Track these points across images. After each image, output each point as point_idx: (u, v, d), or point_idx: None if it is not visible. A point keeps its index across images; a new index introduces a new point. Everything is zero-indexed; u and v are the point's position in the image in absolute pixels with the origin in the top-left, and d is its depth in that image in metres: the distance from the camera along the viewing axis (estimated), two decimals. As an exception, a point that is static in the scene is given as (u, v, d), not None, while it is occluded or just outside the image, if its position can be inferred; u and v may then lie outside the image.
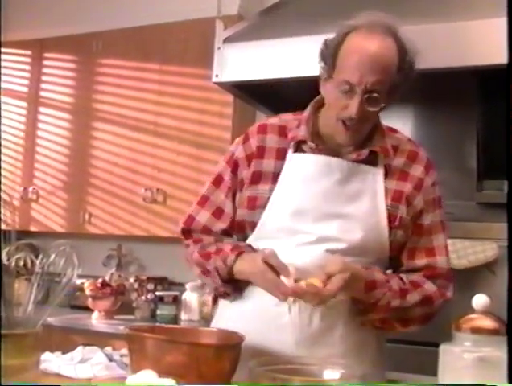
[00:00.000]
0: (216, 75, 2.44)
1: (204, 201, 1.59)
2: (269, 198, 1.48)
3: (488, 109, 2.67)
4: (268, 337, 1.41)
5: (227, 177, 1.56)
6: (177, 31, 3.47)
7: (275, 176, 1.50)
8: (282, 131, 1.54)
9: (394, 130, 1.58)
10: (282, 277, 1.32)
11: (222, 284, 1.50)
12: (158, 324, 3.01)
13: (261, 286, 1.38)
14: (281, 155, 1.52)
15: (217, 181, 1.58)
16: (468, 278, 2.23)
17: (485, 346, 1.04)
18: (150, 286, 3.47)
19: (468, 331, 1.06)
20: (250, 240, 1.53)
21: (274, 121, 1.58)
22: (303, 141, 1.50)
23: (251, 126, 1.60)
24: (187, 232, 1.61)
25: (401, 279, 1.47)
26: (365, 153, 1.48)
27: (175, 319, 3.26)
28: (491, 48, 1.95)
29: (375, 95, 1.39)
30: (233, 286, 1.50)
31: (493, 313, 1.08)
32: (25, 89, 4.04)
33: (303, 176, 1.49)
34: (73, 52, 3.88)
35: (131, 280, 3.58)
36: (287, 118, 1.57)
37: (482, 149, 2.73)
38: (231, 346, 1.28)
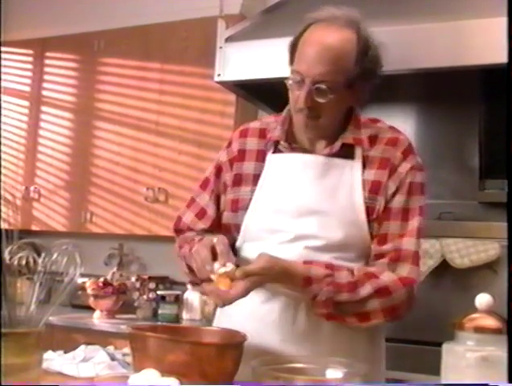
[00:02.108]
0: (219, 75, 2.44)
1: (191, 203, 1.65)
2: (250, 199, 1.51)
3: (490, 108, 2.67)
4: (257, 335, 1.40)
5: (212, 180, 1.61)
6: (179, 30, 3.47)
7: (256, 178, 1.52)
8: (263, 133, 1.57)
9: (375, 120, 1.56)
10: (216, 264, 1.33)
11: (187, 271, 1.54)
12: (160, 323, 3.01)
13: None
14: (261, 157, 1.54)
15: (204, 184, 1.63)
16: (470, 277, 2.23)
17: (488, 345, 1.04)
18: (152, 285, 3.47)
19: (472, 330, 1.06)
20: (239, 243, 1.54)
21: (256, 124, 1.61)
22: (280, 142, 1.52)
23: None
24: (178, 232, 1.66)
25: (351, 271, 1.41)
26: (337, 146, 1.47)
27: (177, 318, 3.26)
28: (493, 47, 1.94)
29: (323, 86, 1.39)
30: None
31: (496, 312, 1.08)
32: (27, 88, 4.05)
33: (281, 175, 1.50)
34: (75, 51, 3.88)
35: (133, 279, 3.58)
36: (269, 120, 1.60)
37: (484, 149, 2.73)
38: (233, 346, 1.28)
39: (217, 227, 1.59)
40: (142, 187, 3.54)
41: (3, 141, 4.01)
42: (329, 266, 1.40)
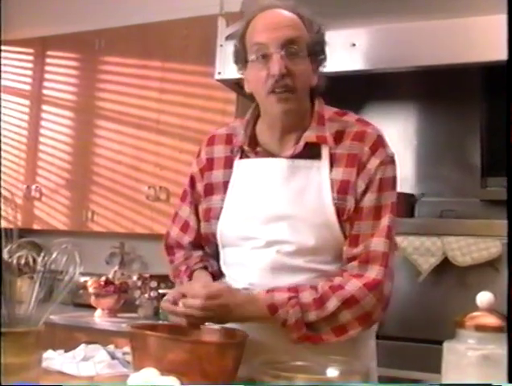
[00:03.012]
0: (219, 73, 2.44)
1: (175, 217, 1.66)
2: (221, 208, 1.49)
3: (491, 106, 2.67)
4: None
5: (188, 192, 1.61)
6: (179, 29, 3.46)
7: (225, 185, 1.51)
8: (229, 139, 1.54)
9: (342, 113, 1.49)
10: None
11: None
12: (161, 322, 3.01)
13: None
14: (229, 163, 1.52)
15: (183, 197, 1.64)
16: (472, 275, 2.22)
17: (489, 343, 1.03)
18: (154, 284, 3.47)
19: (473, 329, 1.05)
20: (219, 248, 1.54)
21: (222, 130, 1.58)
22: (244, 147, 1.49)
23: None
24: (169, 248, 1.67)
25: (315, 289, 1.37)
26: (300, 146, 1.43)
27: (178, 317, 3.25)
28: (494, 44, 1.94)
29: (293, 47, 1.37)
30: None
31: (497, 310, 1.08)
32: (28, 87, 4.04)
33: (248, 182, 1.48)
34: (76, 50, 3.88)
35: (134, 278, 3.58)
36: (235, 125, 1.57)
37: (486, 146, 2.72)
38: (234, 344, 1.28)
39: (204, 238, 1.58)
40: (143, 186, 3.54)
41: (5, 140, 4.01)
42: (292, 289, 1.37)
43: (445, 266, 2.27)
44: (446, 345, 1.09)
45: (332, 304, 1.35)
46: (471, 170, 2.74)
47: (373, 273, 1.38)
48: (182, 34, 3.46)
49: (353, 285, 1.37)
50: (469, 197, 2.67)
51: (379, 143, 1.44)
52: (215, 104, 3.34)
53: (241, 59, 1.46)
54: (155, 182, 3.50)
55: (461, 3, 2.15)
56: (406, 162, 2.79)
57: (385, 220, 1.41)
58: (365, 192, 1.41)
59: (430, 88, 2.73)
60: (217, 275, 1.54)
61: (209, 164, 1.55)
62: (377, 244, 1.40)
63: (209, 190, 1.53)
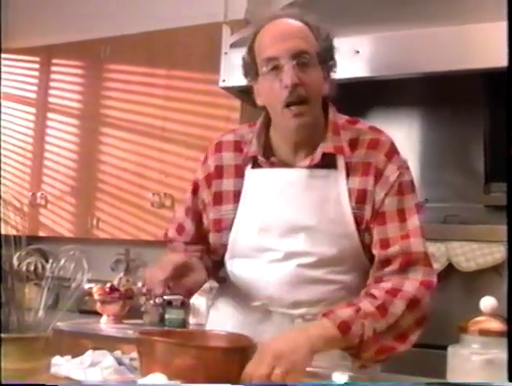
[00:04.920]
0: (224, 80, 2.46)
1: (173, 218, 1.69)
2: (233, 218, 1.47)
3: (494, 112, 2.67)
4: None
5: (188, 197, 1.60)
6: (184, 36, 3.48)
7: (236, 194, 1.48)
8: (238, 146, 1.52)
9: (354, 121, 1.49)
10: None
11: None
12: (166, 328, 3.01)
13: None
14: (239, 172, 1.49)
15: (183, 200, 1.64)
16: (476, 281, 2.23)
17: (493, 348, 1.04)
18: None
19: (476, 333, 1.06)
20: (227, 258, 1.53)
21: (230, 136, 1.56)
22: (258, 157, 1.46)
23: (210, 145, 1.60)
24: (167, 242, 1.69)
25: (372, 295, 1.31)
26: (318, 156, 1.40)
27: (184, 323, 3.26)
28: (496, 51, 1.95)
29: (303, 58, 1.36)
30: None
31: (500, 315, 1.08)
32: (33, 95, 4.07)
33: (263, 192, 1.45)
34: (81, 58, 3.91)
35: (139, 284, 3.58)
36: (243, 132, 1.55)
37: (489, 152, 2.73)
38: (240, 349, 1.29)
39: (199, 240, 1.58)
40: (148, 193, 3.55)
41: (10, 147, 4.04)
42: (349, 303, 1.29)
43: (449, 271, 2.27)
44: (450, 350, 1.09)
45: (399, 308, 1.30)
46: (474, 176, 2.75)
47: (420, 274, 1.35)
48: (187, 42, 3.48)
49: (411, 286, 1.32)
50: (473, 202, 2.68)
51: (394, 150, 1.44)
52: (219, 111, 3.35)
53: (251, 72, 1.45)
54: (160, 189, 3.52)
55: (463, 11, 2.16)
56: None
57: (415, 221, 1.39)
58: (384, 198, 1.39)
59: (433, 94, 2.74)
60: (210, 272, 1.52)
61: (218, 172, 1.52)
62: (416, 244, 1.37)
63: (218, 199, 1.50)
